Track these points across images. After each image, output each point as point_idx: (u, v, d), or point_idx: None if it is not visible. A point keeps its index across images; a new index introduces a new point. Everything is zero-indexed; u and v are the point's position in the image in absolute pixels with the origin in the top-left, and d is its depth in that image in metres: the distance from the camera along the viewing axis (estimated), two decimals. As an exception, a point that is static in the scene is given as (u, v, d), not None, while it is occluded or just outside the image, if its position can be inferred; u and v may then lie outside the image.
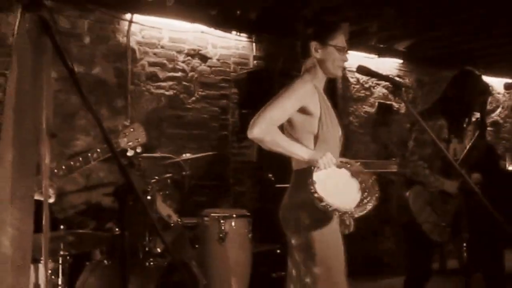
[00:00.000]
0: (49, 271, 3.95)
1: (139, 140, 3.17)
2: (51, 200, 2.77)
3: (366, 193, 3.34)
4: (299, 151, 3.27)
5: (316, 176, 3.20)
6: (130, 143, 3.13)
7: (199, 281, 4.41)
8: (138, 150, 3.21)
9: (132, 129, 3.16)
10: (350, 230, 3.50)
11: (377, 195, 3.35)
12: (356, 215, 3.27)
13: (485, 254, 4.90)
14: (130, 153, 3.17)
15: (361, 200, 3.31)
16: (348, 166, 3.39)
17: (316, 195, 3.15)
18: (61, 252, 3.99)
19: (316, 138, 3.35)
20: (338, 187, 3.30)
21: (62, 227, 4.18)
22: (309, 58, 3.46)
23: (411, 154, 4.41)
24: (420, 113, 4.31)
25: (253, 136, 3.20)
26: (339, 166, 3.35)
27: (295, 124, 3.35)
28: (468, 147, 4.57)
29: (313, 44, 3.43)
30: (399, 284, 4.61)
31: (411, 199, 4.40)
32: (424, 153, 4.38)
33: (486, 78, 10.41)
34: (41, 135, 2.29)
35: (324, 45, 3.42)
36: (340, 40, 3.45)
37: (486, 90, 4.74)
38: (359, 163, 3.42)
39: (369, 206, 3.31)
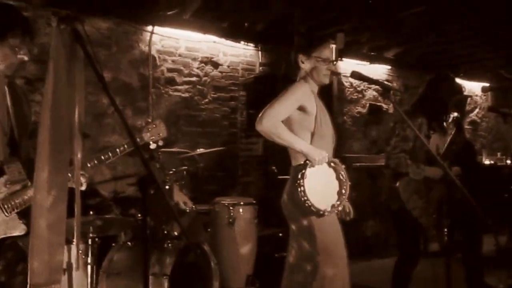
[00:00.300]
0: (80, 251, 3.98)
1: (161, 134, 3.13)
2: (83, 188, 2.78)
3: (340, 198, 3.36)
4: (299, 145, 3.27)
5: (309, 171, 3.22)
6: (152, 137, 3.08)
7: (211, 260, 4.42)
8: (160, 143, 3.16)
9: (154, 125, 3.12)
10: (350, 217, 3.52)
11: (346, 201, 3.42)
12: (326, 214, 3.29)
13: (464, 238, 4.90)
14: (152, 146, 3.13)
15: (335, 203, 3.33)
16: (336, 167, 3.40)
17: (301, 188, 3.17)
18: (91, 235, 4.02)
19: (312, 134, 3.36)
20: (323, 185, 3.32)
21: (91, 212, 4.21)
22: (299, 68, 3.49)
23: (393, 148, 4.40)
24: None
25: (262, 128, 3.21)
26: (328, 164, 3.36)
27: (293, 121, 3.35)
28: (447, 142, 4.56)
29: (300, 57, 3.46)
30: (389, 264, 4.59)
31: (401, 188, 4.38)
32: (406, 147, 4.37)
33: (466, 83, 10.48)
34: (74, 132, 2.31)
35: (309, 57, 3.44)
36: (325, 52, 3.44)
37: (459, 90, 4.71)
38: (344, 166, 3.43)
39: (337, 210, 3.35)
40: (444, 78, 4.58)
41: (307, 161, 3.23)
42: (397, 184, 4.43)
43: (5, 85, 2.73)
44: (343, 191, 3.36)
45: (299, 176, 3.19)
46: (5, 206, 2.51)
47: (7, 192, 2.52)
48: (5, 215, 2.51)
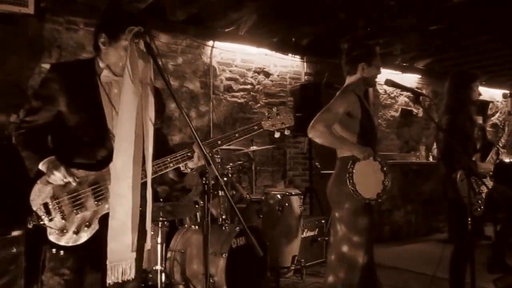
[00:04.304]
0: (152, 232, 4.00)
1: (285, 123, 2.60)
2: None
3: (384, 188, 3.28)
4: (347, 146, 3.25)
5: (357, 166, 3.19)
6: (273, 126, 2.60)
7: (263, 242, 4.40)
8: (286, 132, 2.60)
9: (277, 113, 2.60)
10: None
11: (388, 190, 3.31)
12: (372, 203, 3.25)
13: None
14: (276, 134, 2.58)
15: (379, 193, 3.26)
16: (381, 161, 3.32)
17: (350, 181, 3.13)
18: (160, 219, 4.05)
19: (358, 134, 3.31)
20: (370, 176, 3.26)
21: (161, 200, 4.25)
22: (355, 75, 3.39)
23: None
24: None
25: (313, 135, 3.19)
26: (374, 158, 3.29)
27: (343, 125, 3.29)
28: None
29: (361, 65, 3.36)
30: (417, 249, 4.39)
31: (458, 179, 4.22)
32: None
33: (488, 89, 10.20)
34: (146, 130, 2.31)
35: (370, 64, 3.36)
36: (378, 58, 3.42)
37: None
38: (387, 160, 3.36)
39: (382, 198, 3.27)
40: (474, 78, 4.34)
41: (355, 159, 3.20)
42: (454, 175, 4.25)
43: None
44: (387, 182, 3.30)
45: (350, 170, 3.17)
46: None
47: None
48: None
